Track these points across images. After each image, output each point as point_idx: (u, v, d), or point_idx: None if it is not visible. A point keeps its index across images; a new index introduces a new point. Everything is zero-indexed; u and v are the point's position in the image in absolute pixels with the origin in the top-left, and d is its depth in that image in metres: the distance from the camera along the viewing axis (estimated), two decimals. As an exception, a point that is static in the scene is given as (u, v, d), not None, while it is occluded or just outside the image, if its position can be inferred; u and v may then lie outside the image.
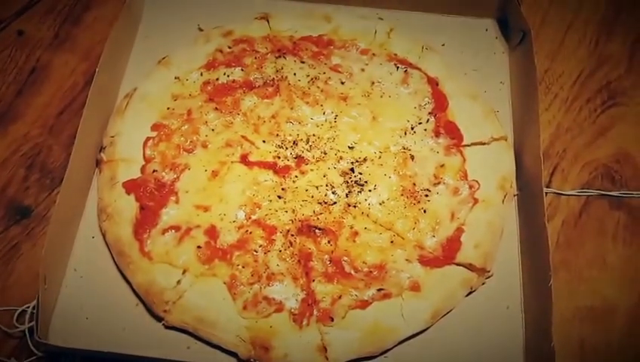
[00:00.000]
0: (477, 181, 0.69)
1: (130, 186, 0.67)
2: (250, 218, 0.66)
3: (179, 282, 0.62)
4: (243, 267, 0.63)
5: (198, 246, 0.64)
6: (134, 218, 0.66)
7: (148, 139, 0.70)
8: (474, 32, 0.82)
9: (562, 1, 0.85)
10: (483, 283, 0.65)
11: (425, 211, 0.68)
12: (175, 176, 0.68)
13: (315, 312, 0.62)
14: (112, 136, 0.70)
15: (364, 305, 0.62)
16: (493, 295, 0.65)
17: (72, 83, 0.76)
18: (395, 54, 0.77)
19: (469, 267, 0.65)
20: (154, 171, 0.68)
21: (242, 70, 0.75)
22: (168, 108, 0.72)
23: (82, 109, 0.71)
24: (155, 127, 0.71)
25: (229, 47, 0.76)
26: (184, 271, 0.63)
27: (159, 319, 0.62)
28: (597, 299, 0.66)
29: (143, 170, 0.68)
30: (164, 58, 0.75)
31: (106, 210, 0.66)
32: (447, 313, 0.64)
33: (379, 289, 0.63)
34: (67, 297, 0.63)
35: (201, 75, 0.74)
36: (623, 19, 0.84)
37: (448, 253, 0.66)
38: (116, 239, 0.65)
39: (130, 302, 0.63)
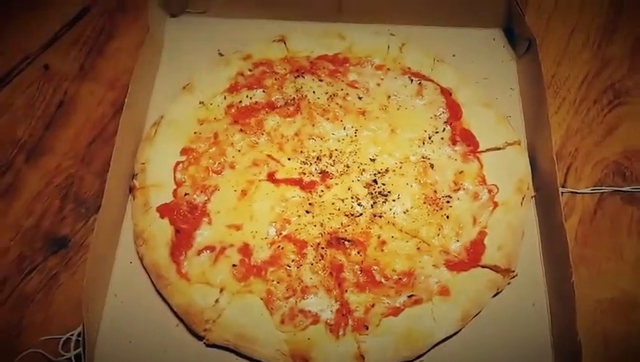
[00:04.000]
0: (495, 185, 0.70)
1: (164, 210, 0.68)
2: (280, 234, 0.67)
3: (217, 301, 0.63)
4: (278, 282, 0.64)
5: (234, 265, 0.65)
6: (170, 241, 0.66)
7: (178, 163, 0.71)
8: (482, 43, 0.83)
9: (565, 7, 0.86)
10: (508, 283, 0.66)
11: (448, 217, 0.69)
12: (206, 197, 0.69)
13: (350, 322, 0.63)
14: (143, 163, 0.71)
15: (396, 311, 0.63)
16: (518, 294, 0.66)
17: (100, 113, 0.76)
18: (409, 68, 0.78)
19: (494, 268, 0.66)
20: (185, 194, 0.69)
21: (264, 91, 0.76)
22: (195, 133, 0.73)
23: (112, 138, 0.72)
24: (184, 151, 0.72)
25: (250, 70, 0.77)
26: (221, 290, 0.64)
27: (200, 338, 0.63)
28: (616, 291, 0.67)
29: (174, 193, 0.69)
30: (187, 84, 0.76)
31: (142, 234, 0.67)
32: (477, 314, 0.65)
33: (410, 296, 0.64)
34: (110, 322, 0.63)
35: (225, 98, 0.75)
36: (623, 22, 0.85)
37: (473, 256, 0.67)
38: (154, 263, 0.65)
39: (171, 323, 0.64)
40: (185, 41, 0.82)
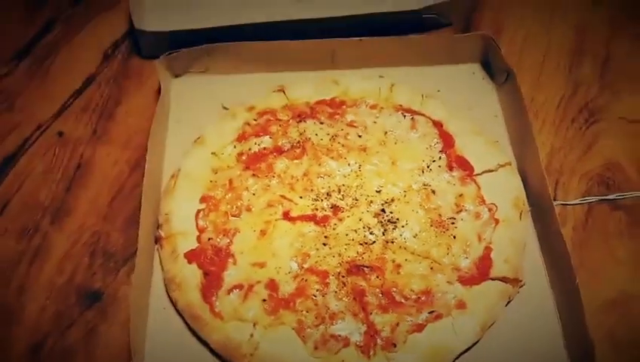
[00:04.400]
0: (494, 204, 0.75)
1: (191, 256, 0.72)
2: (302, 267, 0.72)
3: (252, 335, 0.66)
4: (307, 311, 0.68)
5: (263, 300, 0.69)
6: (200, 284, 0.70)
7: (198, 211, 0.75)
8: (463, 77, 0.90)
9: (534, 37, 0.94)
10: (517, 292, 0.71)
11: (454, 237, 0.74)
12: (228, 240, 0.73)
13: (378, 342, 0.67)
14: (166, 214, 0.75)
15: (420, 328, 0.67)
16: (528, 301, 0.71)
17: (117, 172, 0.80)
18: (400, 105, 0.84)
19: (504, 280, 0.71)
20: (209, 239, 0.73)
21: (270, 138, 0.81)
22: (211, 181, 0.77)
23: (131, 195, 0.78)
24: (203, 199, 0.76)
25: (255, 120, 0.82)
26: (254, 325, 0.67)
27: (239, 373, 0.67)
28: (616, 291, 0.72)
29: (199, 239, 0.73)
30: (198, 138, 0.81)
31: (174, 280, 0.70)
32: (492, 324, 0.69)
33: (430, 312, 0.68)
34: None
35: (235, 147, 0.80)
36: (588, 46, 0.93)
37: (482, 270, 0.71)
38: (188, 305, 0.69)
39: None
40: (189, 99, 0.87)
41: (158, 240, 0.74)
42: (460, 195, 0.77)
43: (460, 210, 0.76)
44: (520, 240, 0.74)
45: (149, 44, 0.90)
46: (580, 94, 0.89)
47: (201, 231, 0.74)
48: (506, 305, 0.70)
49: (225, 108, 0.86)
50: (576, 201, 0.79)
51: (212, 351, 0.67)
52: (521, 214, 0.75)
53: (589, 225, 0.77)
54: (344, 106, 0.84)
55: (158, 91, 0.87)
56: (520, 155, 0.80)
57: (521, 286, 0.71)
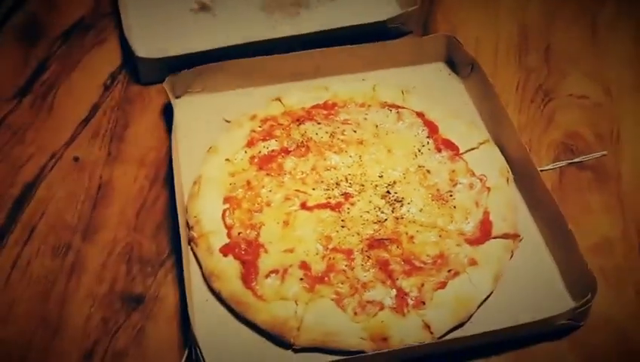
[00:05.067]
0: (483, 175, 0.83)
1: (226, 250, 0.75)
2: (327, 248, 0.76)
3: (296, 311, 0.70)
4: (341, 283, 0.72)
5: (300, 279, 0.73)
6: (239, 273, 0.73)
7: (224, 211, 0.78)
8: (432, 74, 0.98)
9: (485, 37, 1.04)
10: (517, 246, 0.78)
11: (455, 207, 0.80)
12: (256, 233, 0.77)
13: (409, 302, 0.71)
14: (195, 216, 0.78)
15: (442, 285, 0.73)
16: (525, 254, 0.78)
17: (138, 187, 0.82)
18: (385, 102, 0.91)
19: (505, 236, 0.77)
20: (239, 233, 0.76)
21: (276, 141, 0.86)
22: (230, 184, 0.81)
23: (154, 206, 0.81)
24: (226, 200, 0.80)
25: (260, 127, 0.87)
26: (296, 302, 0.71)
27: (286, 348, 0.69)
28: (597, 236, 0.80)
29: (229, 235, 0.76)
30: (210, 147, 0.85)
31: (214, 273, 0.73)
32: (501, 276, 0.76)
33: (448, 271, 0.74)
34: (205, 353, 0.67)
35: (246, 152, 0.84)
36: (532, 37, 1.04)
37: (485, 231, 0.78)
38: (232, 293, 0.72)
39: (257, 342, 0.70)
40: (192, 117, 0.91)
41: (191, 240, 0.77)
42: (453, 171, 0.84)
43: (455, 184, 0.82)
44: (512, 201, 0.81)
45: (147, 70, 0.93)
46: (533, 79, 0.99)
47: (229, 228, 0.77)
48: (510, 259, 0.77)
49: (227, 121, 0.90)
50: (549, 167, 0.87)
51: (259, 331, 0.70)
52: (507, 180, 0.83)
53: (563, 185, 0.85)
54: (336, 107, 0.90)
55: (161, 112, 0.92)
56: (496, 133, 0.88)
57: (520, 239, 0.78)
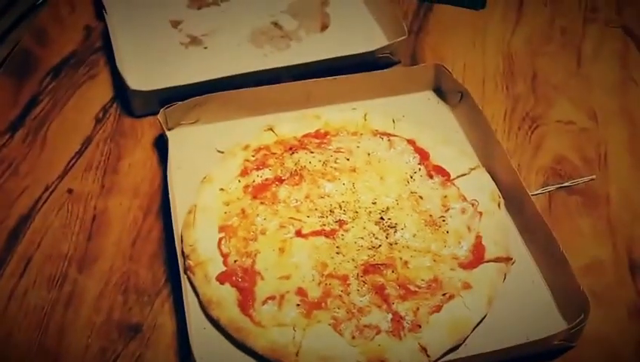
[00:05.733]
0: (475, 199, 0.88)
1: (223, 278, 0.79)
2: (323, 274, 0.80)
3: (294, 336, 0.74)
4: (338, 308, 0.76)
5: (297, 304, 0.76)
6: (237, 300, 0.77)
7: (220, 239, 0.82)
8: (421, 103, 1.04)
9: (472, 66, 1.10)
10: (510, 270, 0.83)
11: (448, 232, 0.85)
12: (252, 260, 0.81)
13: (405, 325, 0.75)
14: (191, 245, 0.81)
15: (438, 309, 0.77)
16: (519, 276, 0.82)
17: (132, 218, 0.86)
18: (377, 130, 0.96)
19: (497, 260, 0.82)
20: (235, 261, 0.80)
21: (269, 170, 0.90)
22: (225, 213, 0.85)
23: (149, 236, 0.84)
24: (221, 229, 0.84)
25: (253, 156, 0.92)
26: (294, 327, 0.74)
27: (286, 373, 0.73)
28: (587, 258, 0.84)
29: (225, 263, 0.80)
30: (205, 177, 0.89)
31: (212, 300, 0.77)
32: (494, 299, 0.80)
33: (443, 294, 0.78)
34: None
35: (239, 181, 0.89)
36: (517, 68, 1.11)
37: (478, 255, 0.82)
38: (230, 320, 0.75)
39: (257, 368, 0.74)
40: (186, 148, 0.95)
41: (188, 268, 0.80)
42: (445, 197, 0.88)
43: (448, 209, 0.87)
44: (503, 224, 0.86)
45: (140, 102, 0.98)
46: (520, 107, 1.05)
47: (225, 256, 0.81)
48: (503, 282, 0.82)
49: (220, 151, 0.95)
50: (538, 191, 0.93)
51: (258, 358, 0.73)
52: (499, 205, 0.88)
53: (552, 209, 0.91)
54: (328, 136, 0.96)
55: (153, 144, 0.96)
56: (486, 158, 0.94)
57: (513, 263, 0.82)
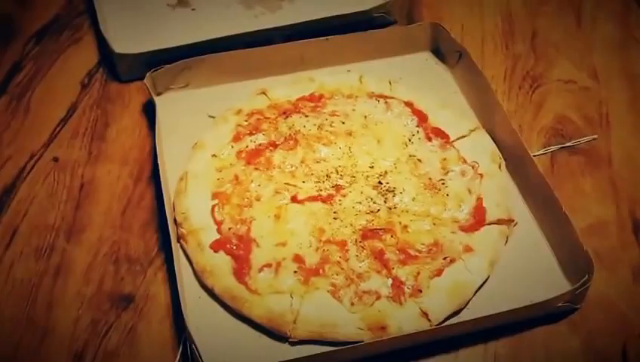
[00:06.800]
0: (475, 162, 0.85)
1: (217, 246, 0.76)
2: (321, 240, 0.77)
3: (291, 304, 0.71)
4: (337, 274, 0.74)
5: (294, 271, 0.74)
6: (232, 268, 0.74)
7: (213, 206, 0.80)
8: (418, 64, 1.01)
9: (470, 27, 1.07)
10: (512, 232, 0.81)
11: (448, 195, 0.82)
12: (247, 227, 0.78)
13: (405, 290, 0.73)
14: (184, 213, 0.79)
15: (439, 273, 0.75)
16: (521, 239, 0.80)
17: (122, 186, 0.83)
18: (372, 92, 0.93)
19: (499, 222, 0.79)
20: (229, 228, 0.78)
21: (263, 134, 0.87)
22: (218, 179, 0.82)
23: (140, 204, 0.82)
24: (215, 195, 0.81)
25: (245, 121, 0.88)
26: (291, 295, 0.72)
27: (283, 341, 0.71)
28: (590, 218, 0.82)
29: (219, 231, 0.78)
30: (196, 143, 0.86)
31: (206, 269, 0.74)
32: (497, 262, 0.78)
33: (444, 258, 0.76)
34: (201, 349, 0.67)
35: (232, 147, 0.86)
36: (517, 27, 1.08)
37: (479, 218, 0.80)
38: (225, 288, 0.73)
39: (253, 337, 0.71)
40: (176, 113, 0.92)
41: (181, 237, 0.78)
42: (444, 159, 0.86)
43: (447, 172, 0.84)
44: (504, 186, 0.84)
45: (126, 67, 0.94)
46: (520, 67, 1.02)
47: (219, 223, 0.78)
48: (505, 244, 0.80)
49: (211, 116, 0.91)
50: (540, 152, 0.90)
51: (255, 326, 0.71)
52: (500, 166, 0.85)
53: (555, 170, 0.88)
54: (323, 99, 0.92)
55: (142, 110, 0.93)
56: (486, 120, 0.91)
57: (515, 224, 0.80)
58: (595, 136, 0.92)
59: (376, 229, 0.78)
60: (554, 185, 0.81)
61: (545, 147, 0.91)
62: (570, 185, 0.87)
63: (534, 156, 0.87)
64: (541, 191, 0.81)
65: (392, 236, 0.78)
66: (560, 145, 0.91)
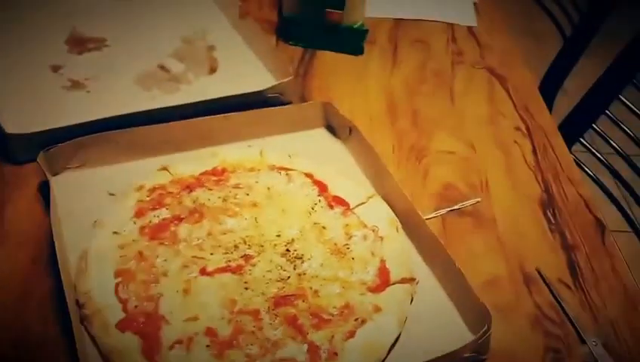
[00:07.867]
0: (375, 226, 0.86)
1: (124, 325, 0.70)
2: (233, 311, 0.73)
3: (206, 380, 0.67)
4: (252, 344, 0.70)
5: (207, 346, 0.69)
6: (141, 348, 0.68)
7: (117, 285, 0.74)
8: (314, 139, 1.01)
9: (358, 106, 1.11)
10: (416, 290, 0.81)
11: (353, 258, 0.82)
12: (154, 304, 0.73)
13: (322, 355, 0.71)
14: (86, 293, 0.72)
15: (352, 334, 0.73)
16: (425, 296, 0.80)
17: (20, 269, 0.76)
18: (274, 165, 0.93)
19: (402, 281, 0.80)
20: (136, 306, 0.72)
21: (167, 209, 0.83)
22: (121, 256, 0.77)
23: (40, 287, 0.74)
24: (118, 273, 0.75)
25: (147, 196, 0.84)
26: (206, 370, 0.68)
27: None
28: (484, 275, 0.85)
29: (125, 309, 0.71)
30: (96, 221, 0.80)
31: (115, 350, 0.68)
32: (405, 320, 0.78)
33: (355, 319, 0.75)
34: None
35: (134, 223, 0.81)
36: (398, 106, 1.13)
37: (384, 278, 0.80)
38: (135, 369, 0.67)
39: (166, 419, 0.65)
40: (74, 193, 0.85)
41: (84, 318, 0.71)
42: (347, 225, 0.86)
43: (351, 237, 0.84)
44: (404, 247, 0.85)
45: (19, 148, 0.87)
46: (405, 141, 1.05)
47: (124, 302, 0.72)
48: (411, 303, 0.80)
49: (112, 194, 0.86)
50: (432, 215, 0.93)
51: (169, 407, 0.66)
52: (397, 229, 0.87)
53: (446, 231, 0.91)
54: (226, 173, 0.90)
55: (38, 191, 0.86)
56: (380, 187, 0.93)
57: (417, 282, 0.81)
58: (478, 199, 0.96)
59: (287, 296, 0.76)
60: (447, 245, 0.83)
61: (435, 210, 0.94)
62: (462, 245, 0.89)
63: (427, 219, 0.89)
64: (436, 251, 0.83)
65: (303, 301, 0.75)
66: (449, 208, 0.94)
